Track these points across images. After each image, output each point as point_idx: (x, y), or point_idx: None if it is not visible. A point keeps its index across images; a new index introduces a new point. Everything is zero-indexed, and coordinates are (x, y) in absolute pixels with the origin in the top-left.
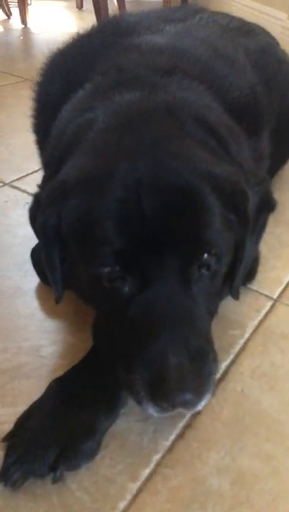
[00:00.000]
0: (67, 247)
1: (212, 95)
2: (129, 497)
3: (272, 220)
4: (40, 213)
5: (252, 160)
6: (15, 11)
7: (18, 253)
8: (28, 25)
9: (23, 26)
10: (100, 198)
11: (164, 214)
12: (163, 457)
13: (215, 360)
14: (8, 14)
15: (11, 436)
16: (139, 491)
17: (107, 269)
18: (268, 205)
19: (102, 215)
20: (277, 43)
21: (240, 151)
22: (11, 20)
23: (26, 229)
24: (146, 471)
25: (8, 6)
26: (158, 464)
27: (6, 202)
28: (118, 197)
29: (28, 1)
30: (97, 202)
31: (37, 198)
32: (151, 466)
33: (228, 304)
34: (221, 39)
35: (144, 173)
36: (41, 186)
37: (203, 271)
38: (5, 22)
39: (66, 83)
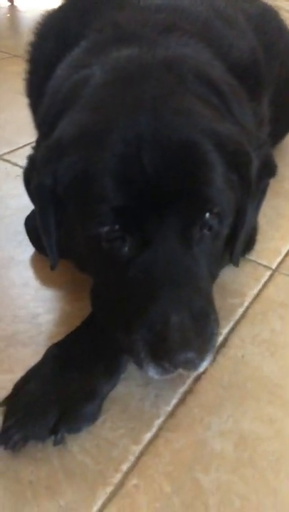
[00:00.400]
0: (63, 209)
1: (212, 53)
2: (132, 459)
3: (271, 192)
4: (34, 174)
5: (253, 123)
6: None
7: (11, 224)
8: (15, 3)
9: (10, 4)
10: (98, 154)
11: (165, 171)
12: (165, 421)
13: (216, 321)
14: None
15: (10, 400)
16: (142, 453)
17: (106, 229)
18: (269, 170)
19: (101, 172)
20: (277, 11)
21: (242, 111)
22: None
23: (18, 201)
24: (148, 435)
25: None
26: (160, 428)
27: None
28: (117, 152)
29: None
30: (95, 158)
31: (31, 159)
32: (153, 430)
33: (227, 274)
34: (220, 0)
35: (145, 128)
36: (35, 147)
37: (205, 231)
38: None
39: (61, 41)
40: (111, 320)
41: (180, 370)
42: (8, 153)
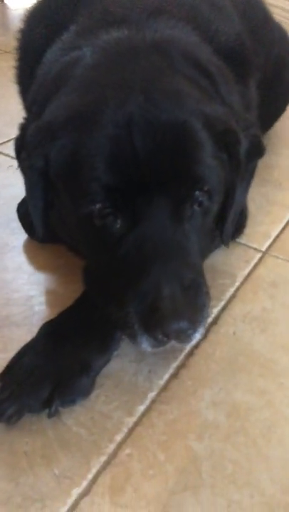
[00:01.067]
0: (55, 191)
1: (199, 36)
2: (125, 430)
3: (260, 179)
4: (25, 155)
5: (241, 105)
6: None
7: (3, 212)
8: (5, 1)
9: (0, 2)
10: (89, 136)
11: (155, 151)
12: (158, 395)
13: (208, 294)
14: None
15: (4, 375)
16: (136, 424)
17: (98, 206)
18: (257, 150)
19: (92, 153)
20: (262, 1)
21: (230, 92)
22: None
23: (11, 190)
24: (142, 408)
25: None
26: (153, 401)
27: None
28: (108, 134)
29: None
30: (87, 140)
31: (23, 129)
32: (147, 402)
33: (217, 256)
34: None
35: (135, 109)
36: (24, 126)
37: (196, 207)
38: None
39: (50, 27)
40: (104, 296)
41: (173, 342)
42: (0, 144)
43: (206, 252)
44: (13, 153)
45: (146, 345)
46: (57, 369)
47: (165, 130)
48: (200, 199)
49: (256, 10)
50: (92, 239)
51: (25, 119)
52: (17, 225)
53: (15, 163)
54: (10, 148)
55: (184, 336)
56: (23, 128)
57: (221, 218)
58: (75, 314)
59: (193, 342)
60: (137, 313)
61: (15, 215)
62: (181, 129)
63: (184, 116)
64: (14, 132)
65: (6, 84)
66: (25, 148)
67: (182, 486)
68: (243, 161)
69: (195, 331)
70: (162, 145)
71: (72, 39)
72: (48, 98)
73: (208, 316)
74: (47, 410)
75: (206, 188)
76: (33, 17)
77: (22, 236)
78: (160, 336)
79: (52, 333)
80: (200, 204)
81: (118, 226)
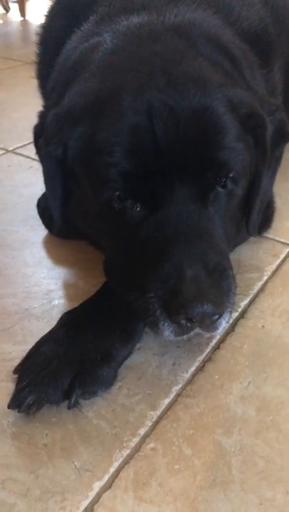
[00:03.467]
0: (73, 178)
1: (221, 20)
2: (149, 423)
3: (283, 175)
4: (43, 141)
5: (265, 90)
6: (13, 6)
7: (23, 210)
8: (27, 18)
9: (22, 19)
10: (108, 123)
11: (177, 137)
12: (183, 388)
13: (234, 279)
14: (7, 8)
15: (23, 364)
16: (160, 418)
17: (117, 193)
18: (283, 135)
19: (111, 141)
20: None
21: (254, 76)
22: (9, 14)
23: (31, 189)
24: (166, 401)
25: (6, 0)
26: (178, 395)
27: (9, 166)
28: (128, 121)
29: None
30: (106, 128)
31: (42, 120)
32: (171, 396)
33: (244, 250)
34: None
35: (156, 94)
36: (42, 114)
37: (220, 189)
38: (3, 16)
39: (70, 19)
40: (125, 284)
41: (197, 330)
42: (21, 147)
43: (231, 239)
44: (33, 154)
45: (168, 333)
46: (77, 358)
47: (187, 116)
48: (224, 183)
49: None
50: (112, 224)
51: (44, 106)
52: (37, 221)
53: (35, 164)
54: (30, 151)
55: (208, 321)
56: (42, 116)
57: (247, 206)
58: (97, 304)
59: (220, 330)
60: (159, 298)
61: (35, 213)
62: (204, 115)
63: (207, 101)
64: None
65: (27, 92)
66: (44, 136)
67: (210, 482)
68: (268, 145)
69: (220, 316)
70: (185, 132)
71: (92, 27)
72: (67, 84)
73: (234, 302)
74: (67, 402)
75: (231, 175)
76: (53, 11)
77: (42, 232)
78: (183, 321)
79: (72, 322)
80: (224, 187)
81: (138, 210)
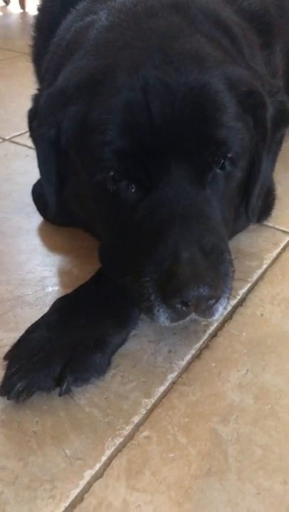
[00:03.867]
0: (67, 160)
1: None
2: (143, 411)
3: (285, 164)
4: (38, 124)
5: (266, 71)
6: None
7: (19, 198)
8: (27, 10)
9: (22, 11)
10: (102, 100)
11: (173, 115)
12: (179, 376)
13: (231, 262)
14: (7, 1)
15: (13, 350)
16: (154, 406)
17: (111, 173)
18: (284, 117)
19: (105, 118)
20: None
21: (254, 56)
22: (9, 7)
23: (26, 177)
24: (161, 389)
25: None
26: (174, 382)
27: (5, 155)
28: (122, 98)
29: None
30: (99, 105)
31: (36, 103)
32: (166, 384)
33: (244, 239)
34: None
35: (152, 70)
36: (36, 97)
37: (218, 170)
38: (4, 8)
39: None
40: (119, 269)
41: (193, 316)
42: (18, 136)
43: (230, 223)
44: (29, 143)
45: (164, 318)
46: (69, 343)
47: (184, 93)
48: (222, 163)
49: None
50: (107, 207)
51: (38, 89)
52: (32, 209)
53: (31, 152)
54: (27, 139)
55: (204, 306)
56: (36, 99)
57: (246, 190)
58: (91, 290)
59: (216, 317)
60: (153, 281)
61: (30, 201)
62: (201, 92)
63: (204, 78)
64: None
65: (26, 82)
66: (37, 118)
67: (206, 471)
68: (269, 126)
69: (217, 300)
70: (181, 109)
71: (88, 5)
72: (61, 64)
73: (231, 287)
74: (58, 389)
75: (229, 154)
76: None
77: (37, 219)
78: (178, 306)
79: (66, 307)
80: (222, 167)
81: (133, 191)
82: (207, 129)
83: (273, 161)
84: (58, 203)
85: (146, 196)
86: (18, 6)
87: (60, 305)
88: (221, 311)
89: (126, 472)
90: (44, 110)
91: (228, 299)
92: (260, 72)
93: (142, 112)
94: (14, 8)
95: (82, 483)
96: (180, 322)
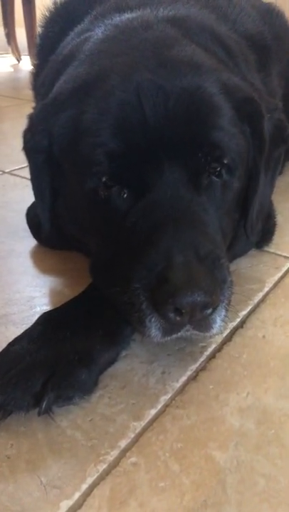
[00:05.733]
0: (60, 172)
1: (217, 19)
2: (131, 435)
3: (285, 196)
4: (30, 134)
5: (263, 89)
6: (24, 58)
7: (14, 223)
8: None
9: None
10: (95, 103)
11: (167, 117)
12: (172, 398)
13: (228, 269)
14: (18, 59)
15: None
16: (144, 429)
17: (103, 179)
18: (282, 135)
19: (97, 119)
20: (283, 11)
21: (250, 72)
22: (20, 64)
23: (22, 205)
24: (153, 411)
25: (19, 52)
26: (166, 405)
27: (3, 185)
28: (115, 99)
29: None
30: (92, 108)
31: (30, 119)
32: (158, 406)
33: (244, 263)
34: None
35: (146, 74)
36: (31, 116)
37: (214, 178)
38: (16, 66)
39: (66, 24)
40: (110, 280)
41: (189, 330)
42: (18, 169)
43: (228, 237)
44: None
45: (156, 330)
46: (52, 356)
47: (178, 95)
48: (218, 169)
49: (277, 17)
50: (98, 214)
51: (34, 107)
52: (26, 233)
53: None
54: (27, 172)
55: (200, 315)
56: (31, 117)
57: (245, 206)
58: (80, 304)
59: (215, 331)
60: (144, 288)
61: (25, 226)
62: (195, 94)
63: (199, 81)
64: None
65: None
66: (30, 129)
67: (201, 503)
68: (266, 136)
69: (214, 310)
70: (175, 110)
71: (85, 26)
72: (56, 76)
73: (229, 297)
74: (37, 409)
75: (225, 161)
76: (49, 19)
77: (30, 243)
78: (172, 314)
79: (50, 320)
80: (219, 175)
81: (125, 196)
82: (201, 130)
83: (272, 180)
84: (51, 221)
85: (138, 201)
86: (29, 64)
87: (45, 319)
88: (219, 323)
89: (109, 502)
90: (37, 120)
91: (227, 310)
92: (257, 86)
93: (135, 112)
94: (25, 65)
95: None
96: (174, 336)
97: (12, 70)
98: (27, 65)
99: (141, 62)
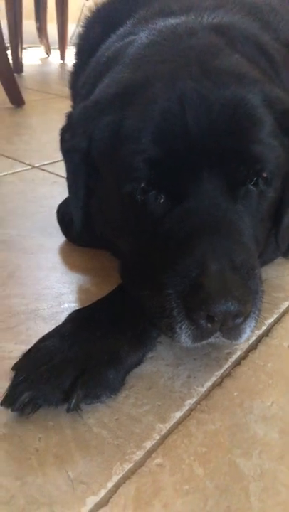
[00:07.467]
0: (97, 174)
1: (260, 27)
2: (157, 437)
3: None
4: (69, 134)
5: None
6: (54, 52)
7: (43, 219)
8: (66, 61)
9: (62, 61)
10: (137, 110)
11: (209, 127)
12: (197, 402)
13: (261, 281)
14: (48, 53)
15: (20, 360)
16: (169, 432)
17: (142, 184)
18: None
19: (138, 126)
20: None
21: None
22: (49, 58)
23: (52, 201)
24: (178, 414)
25: (49, 46)
26: (192, 409)
27: (33, 180)
28: (158, 107)
29: (68, 42)
30: (134, 114)
31: (69, 119)
32: (184, 409)
33: (270, 271)
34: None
35: (189, 83)
36: (70, 115)
37: (251, 187)
38: (45, 59)
39: (107, 26)
40: (142, 284)
41: (218, 338)
42: (47, 164)
43: (261, 245)
44: (58, 171)
45: (186, 336)
46: (82, 355)
47: (221, 106)
48: (256, 180)
49: None
50: (133, 218)
51: (72, 107)
52: (55, 229)
53: (59, 179)
54: (56, 168)
55: (231, 323)
56: (70, 116)
57: (278, 216)
58: (109, 304)
59: (243, 339)
60: (177, 294)
61: (54, 222)
62: (238, 106)
63: (242, 92)
64: (61, 157)
65: (58, 119)
66: (70, 130)
67: (224, 509)
68: None
69: (245, 319)
70: (217, 121)
71: (128, 29)
72: (98, 78)
73: (260, 308)
74: (66, 405)
75: (264, 174)
76: (91, 20)
77: (59, 239)
78: (203, 321)
79: (81, 319)
80: (256, 185)
81: (162, 201)
82: (243, 143)
83: None
84: (84, 219)
85: (175, 207)
86: (58, 58)
87: (75, 317)
88: (248, 333)
89: (134, 502)
90: (77, 122)
91: (256, 321)
92: None
93: (177, 121)
94: (54, 59)
95: (85, 510)
96: (202, 343)
97: (40, 63)
98: (56, 59)
99: (185, 70)
